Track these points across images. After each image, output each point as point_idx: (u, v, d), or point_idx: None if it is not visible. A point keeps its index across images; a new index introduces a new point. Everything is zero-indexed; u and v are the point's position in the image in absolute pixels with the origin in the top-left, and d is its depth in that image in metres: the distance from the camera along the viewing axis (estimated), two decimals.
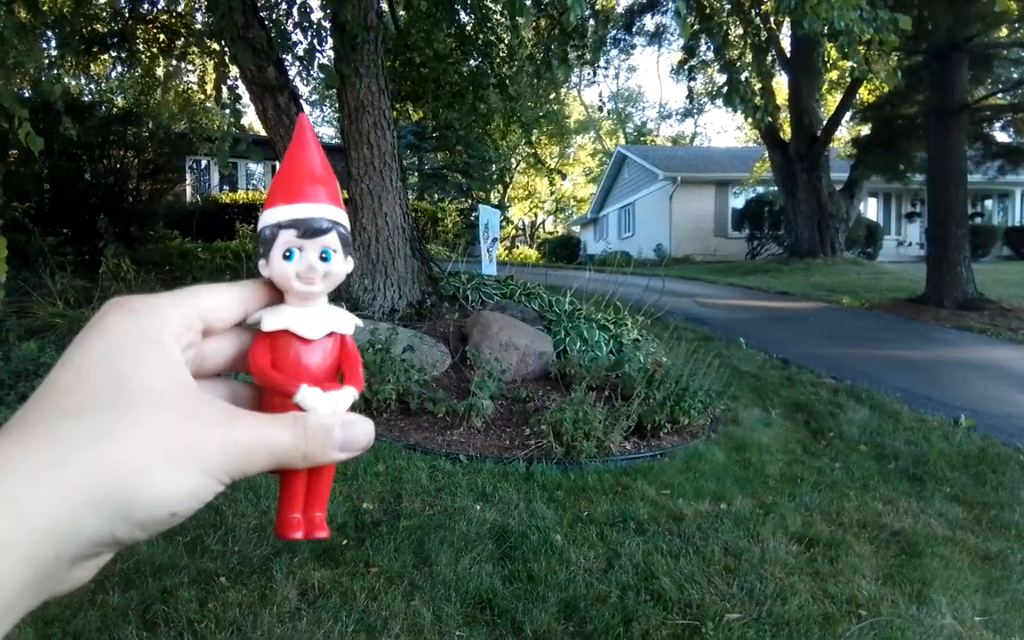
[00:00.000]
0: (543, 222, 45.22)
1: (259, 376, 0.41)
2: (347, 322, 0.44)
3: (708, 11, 6.69)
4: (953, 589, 3.16)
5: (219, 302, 0.41)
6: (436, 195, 26.38)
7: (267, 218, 0.42)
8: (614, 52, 20.41)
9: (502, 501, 3.76)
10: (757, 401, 5.80)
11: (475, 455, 4.28)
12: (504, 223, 35.39)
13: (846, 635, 2.77)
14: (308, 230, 0.41)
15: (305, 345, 0.42)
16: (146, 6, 7.59)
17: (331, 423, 0.40)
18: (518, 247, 34.90)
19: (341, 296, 6.06)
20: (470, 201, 27.45)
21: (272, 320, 0.41)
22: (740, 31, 12.51)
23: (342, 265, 0.43)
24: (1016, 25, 11.32)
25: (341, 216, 0.43)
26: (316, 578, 2.93)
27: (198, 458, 0.35)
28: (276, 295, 0.43)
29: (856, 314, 11.47)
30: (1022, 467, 4.65)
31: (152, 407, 0.34)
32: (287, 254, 0.41)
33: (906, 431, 5.24)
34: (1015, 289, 12.40)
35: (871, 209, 25.49)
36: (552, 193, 40.26)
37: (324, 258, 0.42)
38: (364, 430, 0.41)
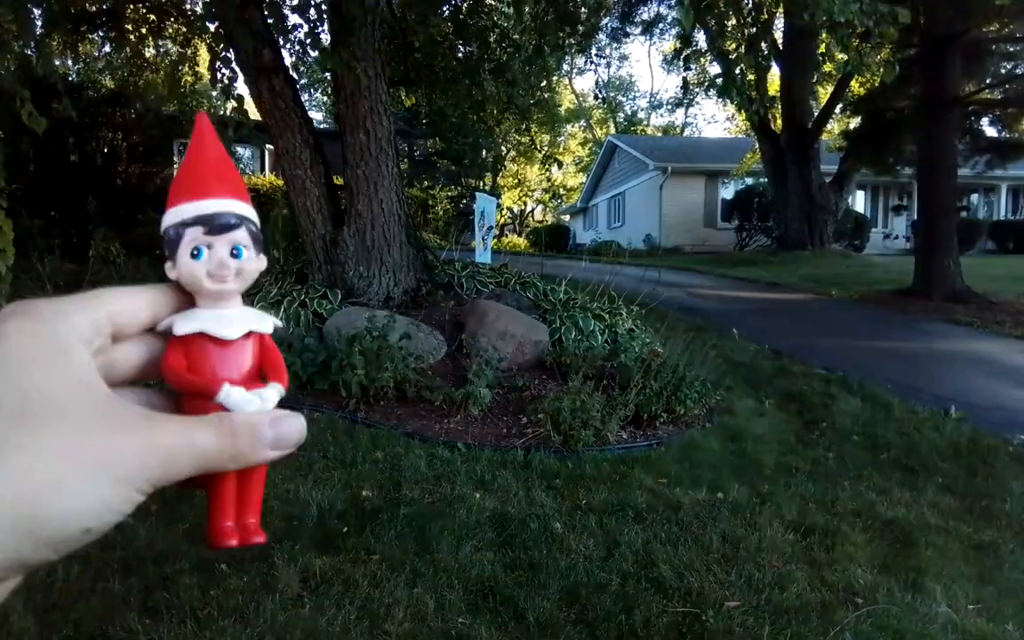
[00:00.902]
0: (532, 211, 45.16)
1: (176, 380, 0.39)
2: (265, 321, 0.42)
3: (706, 3, 6.67)
4: (947, 578, 3.21)
5: (128, 305, 0.39)
6: (426, 182, 26.25)
7: (170, 217, 0.40)
8: (605, 40, 20.32)
9: (501, 489, 3.77)
10: (751, 391, 5.84)
11: (473, 443, 4.28)
12: (499, 211, 35.35)
13: (843, 623, 2.81)
14: (216, 226, 0.39)
15: (222, 347, 0.40)
16: None
17: (259, 420, 0.38)
18: (507, 235, 34.85)
19: (336, 282, 6.03)
20: (460, 188, 27.37)
21: (185, 324, 0.39)
22: (734, 22, 12.51)
23: (255, 262, 0.41)
24: (1008, 20, 11.39)
25: (250, 212, 0.41)
26: (318, 565, 2.92)
27: (112, 467, 0.32)
28: (188, 300, 0.40)
29: (845, 306, 11.57)
30: (1012, 458, 4.72)
31: (58, 417, 0.32)
32: (195, 253, 0.39)
33: (897, 422, 5.30)
34: (1001, 283, 12.53)
35: (859, 202, 25.65)
36: (549, 180, 40.17)
37: (235, 255, 0.40)
38: (295, 425, 0.39)
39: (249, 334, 0.41)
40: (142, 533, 3.05)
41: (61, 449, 0.31)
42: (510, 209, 40.40)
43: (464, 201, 27.01)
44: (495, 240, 8.82)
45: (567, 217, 39.29)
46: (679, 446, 4.55)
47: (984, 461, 4.65)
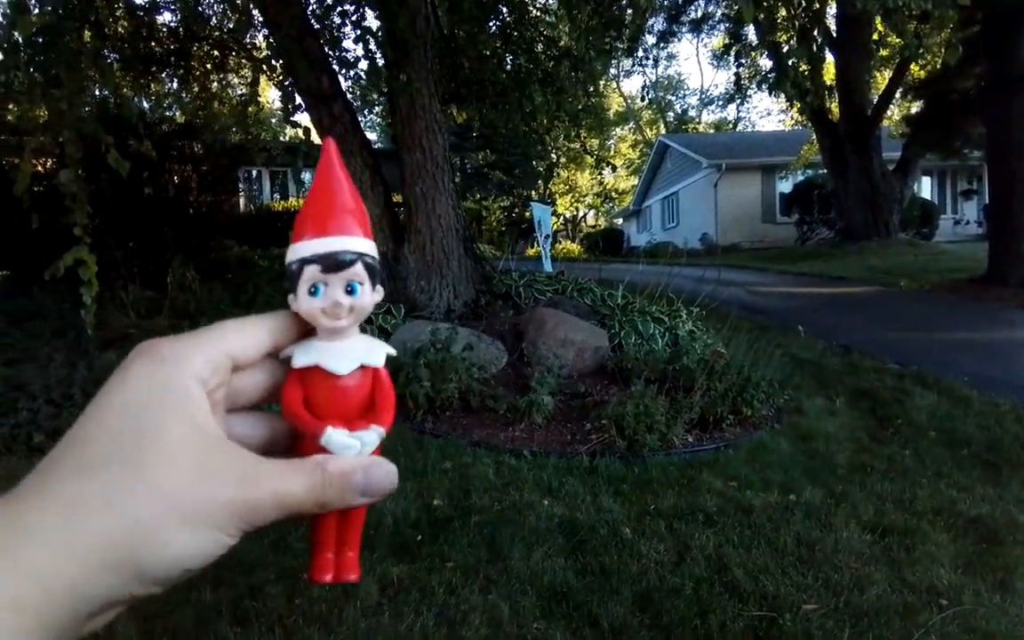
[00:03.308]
0: (584, 216, 45.04)
1: (287, 416, 0.41)
2: (378, 354, 0.43)
3: None
4: None
5: (248, 339, 0.41)
6: (478, 194, 26.52)
7: (293, 253, 0.42)
8: (652, 41, 20.19)
9: (568, 495, 3.80)
10: (820, 390, 5.71)
11: (538, 450, 4.33)
12: (556, 218, 35.43)
13: (928, 625, 2.73)
14: (332, 265, 0.41)
15: (335, 381, 0.41)
16: (201, 25, 7.85)
17: (351, 469, 0.39)
18: (560, 242, 34.85)
19: (399, 297, 6.19)
20: (512, 198, 27.54)
21: (302, 356, 0.41)
22: (784, 13, 12.26)
23: (369, 296, 0.42)
24: None
25: (367, 246, 0.42)
26: (395, 573, 3.02)
27: (211, 517, 0.35)
28: (309, 326, 0.42)
29: (916, 297, 11.15)
30: None
31: (168, 463, 0.34)
32: (312, 290, 0.41)
33: (977, 416, 5.09)
34: None
35: (925, 188, 24.67)
36: (602, 183, 40.01)
37: (350, 291, 0.41)
38: (386, 474, 0.40)
39: (362, 367, 0.42)
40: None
41: (168, 498, 0.34)
42: (563, 215, 40.42)
43: (516, 211, 27.18)
44: (551, 247, 8.87)
45: (620, 220, 39.05)
46: (747, 448, 4.49)
47: None
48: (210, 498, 0.35)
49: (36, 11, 4.58)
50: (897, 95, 18.07)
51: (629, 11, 9.31)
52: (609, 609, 2.79)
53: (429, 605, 2.81)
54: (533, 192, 29.45)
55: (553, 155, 30.77)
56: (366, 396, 0.42)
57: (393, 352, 0.45)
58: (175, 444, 0.35)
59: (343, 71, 6.59)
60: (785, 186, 24.22)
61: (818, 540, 3.34)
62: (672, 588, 2.95)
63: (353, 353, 0.42)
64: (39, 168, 6.82)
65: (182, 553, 0.34)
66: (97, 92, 6.46)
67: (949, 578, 3.05)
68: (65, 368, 5.12)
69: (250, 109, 6.69)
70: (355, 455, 0.40)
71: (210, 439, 0.37)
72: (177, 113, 10.24)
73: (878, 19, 6.47)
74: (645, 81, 45.12)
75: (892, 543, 3.35)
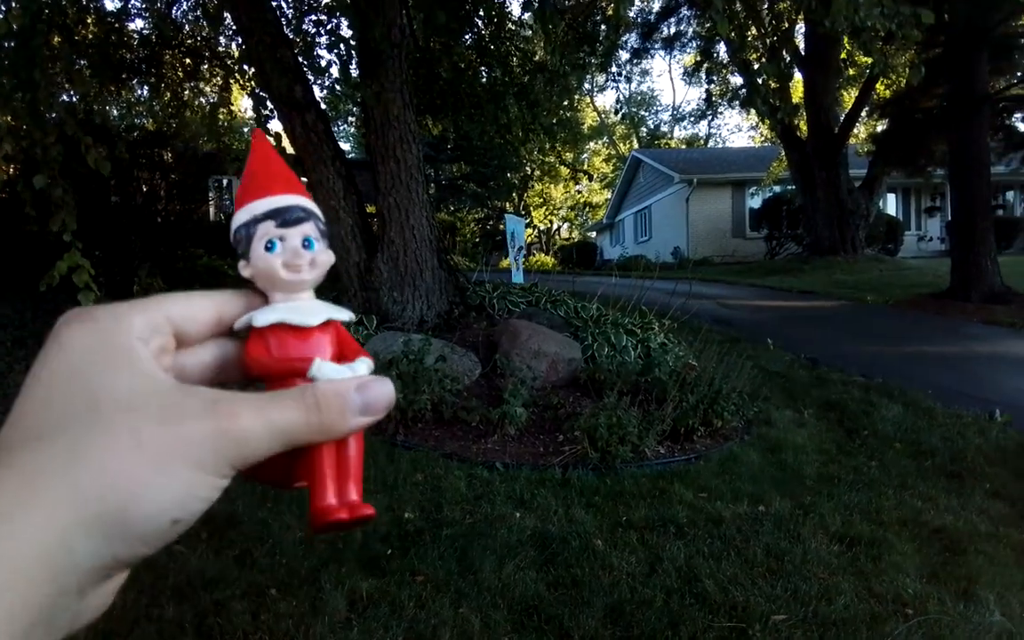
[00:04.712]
0: (558, 229, 45.26)
1: (262, 366, 0.39)
2: (341, 311, 0.41)
3: (729, 13, 6.70)
4: (1000, 585, 3.14)
5: (189, 307, 0.39)
6: (452, 206, 26.52)
7: (241, 216, 0.40)
8: (625, 56, 20.41)
9: (540, 507, 3.79)
10: (789, 402, 5.79)
11: (511, 462, 4.32)
12: (530, 228, 35.56)
13: (894, 634, 2.77)
14: (287, 219, 0.40)
15: (303, 336, 0.39)
16: (173, 32, 7.76)
17: (345, 387, 0.37)
18: (534, 254, 34.98)
19: (371, 308, 6.14)
20: (487, 210, 27.59)
21: (265, 316, 0.39)
22: (755, 31, 12.51)
23: (325, 253, 0.41)
24: None
25: (315, 208, 0.41)
26: (364, 588, 2.97)
27: (188, 456, 0.32)
28: (256, 301, 0.40)
29: (881, 311, 11.38)
30: None
31: (128, 414, 0.32)
32: (268, 246, 0.39)
33: (941, 427, 5.20)
34: None
35: (891, 205, 25.24)
36: (578, 193, 40.29)
37: (306, 246, 0.40)
38: (384, 389, 0.38)
39: (328, 322, 0.40)
40: (193, 560, 3.13)
41: (134, 444, 0.31)
42: (537, 227, 40.59)
43: (491, 223, 27.24)
44: (524, 259, 8.89)
45: (593, 234, 39.31)
46: (718, 459, 4.53)
47: None
48: (183, 436, 0.32)
49: (5, 11, 4.50)
50: (863, 114, 18.50)
51: (603, 27, 9.42)
52: (580, 621, 2.78)
53: (399, 620, 2.78)
54: (507, 204, 29.54)
55: (528, 168, 30.95)
56: (335, 352, 0.40)
57: (354, 317, 0.43)
58: (132, 395, 0.33)
59: (316, 79, 6.55)
60: (755, 202, 24.60)
61: (787, 551, 3.38)
62: (643, 599, 2.95)
63: (319, 308, 0.40)
64: (4, 174, 6.66)
65: (164, 500, 0.31)
66: (65, 97, 6.33)
67: (914, 587, 3.09)
68: (24, 377, 4.97)
69: (221, 113, 6.61)
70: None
71: (166, 384, 0.34)
72: (147, 120, 10.10)
73: (846, 38, 6.60)
74: (619, 96, 45.55)
75: (859, 553, 3.40)
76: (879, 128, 18.08)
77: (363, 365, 0.40)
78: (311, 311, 0.40)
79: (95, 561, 0.30)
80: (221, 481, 0.33)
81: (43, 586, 0.29)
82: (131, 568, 0.33)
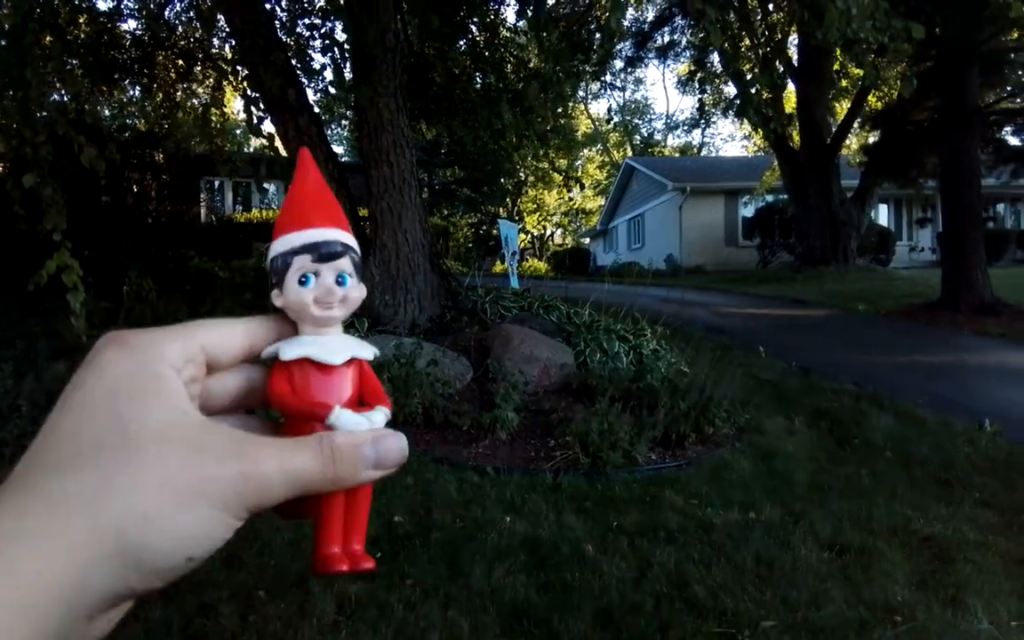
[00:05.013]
0: (551, 235, 45.36)
1: (283, 404, 0.39)
2: (366, 349, 0.42)
3: (722, 24, 6.74)
4: (988, 594, 3.15)
5: (222, 335, 0.39)
6: (445, 210, 26.54)
7: (278, 246, 0.41)
8: (620, 65, 20.53)
9: (531, 512, 3.78)
10: (780, 409, 5.80)
11: (502, 467, 4.30)
12: (523, 234, 35.62)
13: None
14: (324, 254, 0.40)
15: (326, 373, 0.40)
16: (166, 33, 7.74)
17: (360, 440, 0.37)
18: (527, 260, 35.04)
19: (363, 311, 6.12)
20: (480, 215, 27.62)
21: (291, 349, 0.39)
22: (748, 42, 12.59)
23: (357, 290, 0.41)
24: None
25: (352, 241, 0.42)
26: (353, 591, 2.95)
27: (210, 496, 0.32)
28: (286, 329, 0.41)
29: (873, 321, 11.44)
30: None
31: (156, 447, 0.33)
32: (303, 280, 0.40)
33: (931, 437, 5.22)
34: None
35: (883, 216, 25.42)
36: (571, 200, 40.39)
37: (340, 282, 0.40)
38: (397, 445, 0.39)
39: (351, 360, 0.41)
40: None
41: (159, 481, 0.32)
42: (531, 233, 40.67)
43: (484, 228, 27.27)
44: (518, 265, 8.90)
45: (587, 240, 39.41)
46: (709, 466, 4.53)
47: (1022, 474, 4.56)
48: (207, 477, 0.33)
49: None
50: (856, 125, 18.65)
51: (597, 36, 9.46)
52: (570, 626, 2.77)
53: (388, 623, 2.76)
54: (501, 210, 29.59)
55: (521, 173, 31.01)
56: (356, 391, 0.41)
57: (378, 352, 0.44)
58: (162, 428, 0.33)
59: (309, 82, 6.55)
60: (748, 211, 24.72)
61: (777, 557, 3.37)
62: (633, 605, 2.95)
63: (344, 345, 0.41)
64: None
65: (181, 538, 0.32)
66: (56, 97, 6.30)
67: (903, 595, 3.10)
68: (12, 378, 4.94)
69: (213, 113, 6.59)
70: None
71: (195, 421, 0.35)
72: (139, 121, 10.06)
73: (839, 50, 6.65)
74: (610, 105, 45.73)
75: (849, 561, 3.40)
76: (871, 139, 18.24)
77: (380, 414, 0.40)
78: (336, 349, 0.40)
79: (109, 592, 0.31)
80: (236, 523, 0.34)
81: (57, 609, 0.29)
82: (141, 597, 0.33)
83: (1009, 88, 12.90)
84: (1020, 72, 12.84)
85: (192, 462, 0.33)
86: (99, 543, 0.30)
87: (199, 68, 8.31)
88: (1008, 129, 13.68)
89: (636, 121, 47.31)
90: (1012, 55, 12.22)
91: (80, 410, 0.34)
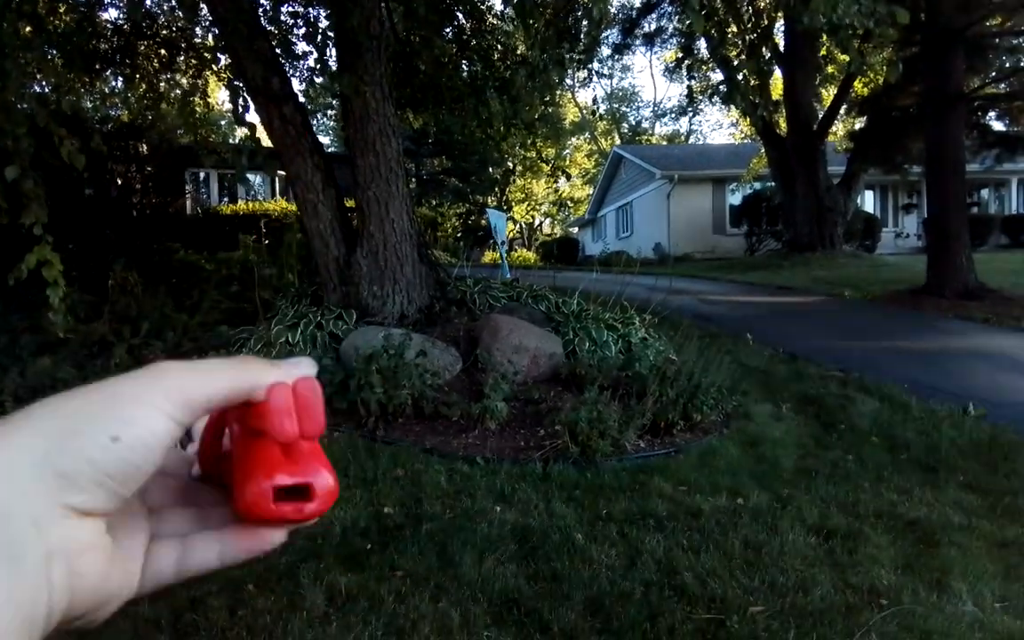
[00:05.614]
0: (540, 224, 45.30)
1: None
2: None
3: (706, 11, 6.73)
4: (972, 576, 3.19)
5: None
6: (434, 200, 26.44)
7: None
8: (607, 52, 20.48)
9: (521, 502, 3.79)
10: (767, 396, 5.84)
11: (491, 457, 4.31)
12: (512, 223, 35.56)
13: (869, 624, 2.80)
14: None
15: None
16: (147, 22, 7.63)
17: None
18: (516, 249, 34.99)
19: (351, 303, 6.10)
20: (468, 205, 27.53)
21: None
22: (735, 28, 12.57)
23: None
24: (1009, 15, 11.39)
25: None
26: (343, 583, 2.95)
27: (141, 398, 0.33)
28: None
29: (858, 307, 11.52)
30: None
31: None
32: None
33: (916, 421, 5.27)
34: (1015, 277, 12.44)
35: (868, 202, 25.55)
36: (557, 191, 40.34)
37: None
38: (307, 360, 0.39)
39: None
40: None
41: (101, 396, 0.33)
42: (519, 222, 40.59)
43: (472, 218, 27.19)
44: (507, 254, 8.88)
45: (575, 229, 39.37)
46: (697, 453, 4.55)
47: (1005, 457, 4.62)
48: (142, 385, 0.33)
49: None
50: (842, 111, 18.70)
51: (584, 22, 9.41)
52: (560, 614, 2.78)
53: (378, 614, 2.76)
54: (489, 199, 29.51)
55: (509, 163, 30.92)
56: None
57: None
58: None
59: (292, 67, 6.47)
60: (735, 198, 24.76)
61: (765, 543, 3.40)
62: (623, 592, 2.96)
63: None
64: None
65: (105, 418, 0.31)
66: (37, 88, 6.20)
67: (889, 579, 3.13)
68: None
69: (196, 103, 6.51)
70: None
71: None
72: (121, 112, 9.92)
73: (825, 36, 6.66)
74: (595, 95, 45.65)
75: (835, 545, 3.43)
76: (857, 126, 18.32)
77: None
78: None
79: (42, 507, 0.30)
80: (173, 424, 0.33)
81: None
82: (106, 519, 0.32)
83: (993, 73, 12.97)
84: (1004, 57, 12.93)
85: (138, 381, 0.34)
86: (30, 449, 0.30)
87: (182, 58, 8.21)
88: (992, 114, 13.77)
89: (624, 109, 47.26)
90: (996, 40, 12.28)
91: None
